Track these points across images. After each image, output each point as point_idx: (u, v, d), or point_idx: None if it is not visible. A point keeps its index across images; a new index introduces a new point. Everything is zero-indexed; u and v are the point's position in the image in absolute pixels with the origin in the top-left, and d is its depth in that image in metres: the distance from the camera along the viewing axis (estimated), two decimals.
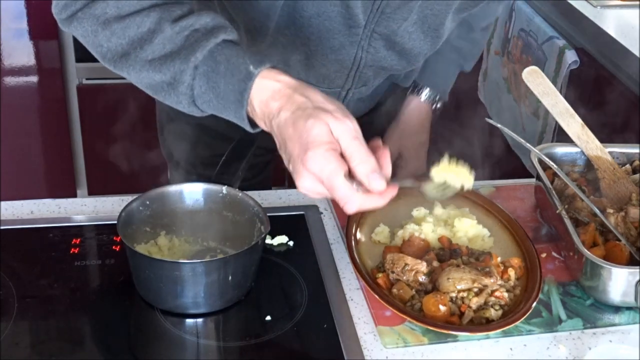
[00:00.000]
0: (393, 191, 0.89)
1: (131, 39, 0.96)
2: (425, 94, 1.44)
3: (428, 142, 1.49)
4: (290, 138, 0.88)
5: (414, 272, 1.01)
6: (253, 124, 0.94)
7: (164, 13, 0.95)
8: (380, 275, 1.04)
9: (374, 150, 0.89)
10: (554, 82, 1.87)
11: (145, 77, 0.97)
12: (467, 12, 1.23)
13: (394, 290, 1.01)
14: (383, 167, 0.88)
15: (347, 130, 0.87)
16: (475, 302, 0.99)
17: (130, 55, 0.96)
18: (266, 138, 1.39)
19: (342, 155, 0.86)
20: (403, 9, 1.11)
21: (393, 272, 1.02)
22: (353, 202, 0.86)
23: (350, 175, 0.87)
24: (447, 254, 1.07)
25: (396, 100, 1.47)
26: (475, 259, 1.06)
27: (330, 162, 0.85)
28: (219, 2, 1.16)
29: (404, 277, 1.02)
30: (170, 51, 0.94)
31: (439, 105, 1.46)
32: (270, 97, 0.90)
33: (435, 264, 1.04)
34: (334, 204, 1.21)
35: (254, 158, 1.47)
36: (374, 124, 1.45)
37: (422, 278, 1.02)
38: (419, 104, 1.45)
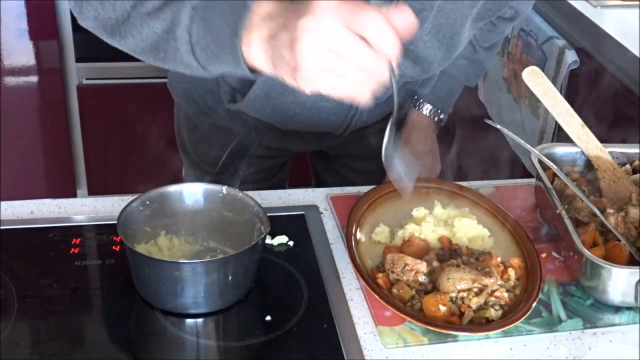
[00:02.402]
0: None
1: (134, 3, 0.96)
2: (427, 108, 1.45)
3: (435, 150, 1.48)
4: (289, 12, 0.80)
5: (414, 272, 1.01)
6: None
7: None
8: (380, 275, 1.04)
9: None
10: (554, 82, 1.87)
11: (147, 32, 0.95)
12: (486, 20, 1.23)
13: (394, 290, 1.01)
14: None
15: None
16: (475, 302, 0.99)
17: (132, 15, 0.96)
18: (272, 139, 1.40)
19: None
20: (417, 17, 1.11)
21: (393, 272, 1.02)
22: (377, 62, 0.77)
23: None
24: (447, 254, 1.07)
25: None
26: (475, 259, 1.06)
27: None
28: None
29: (404, 277, 1.02)
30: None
31: (442, 117, 1.47)
32: (264, 8, 0.85)
33: (435, 264, 1.04)
34: (335, 204, 1.21)
35: (268, 160, 1.47)
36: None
37: (422, 278, 1.02)
38: (421, 116, 1.45)
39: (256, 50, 0.86)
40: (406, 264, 1.02)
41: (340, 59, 0.79)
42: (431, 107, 1.45)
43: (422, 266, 1.02)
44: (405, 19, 0.80)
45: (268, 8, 0.85)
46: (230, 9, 0.88)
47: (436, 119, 1.46)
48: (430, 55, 1.18)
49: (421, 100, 1.45)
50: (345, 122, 1.33)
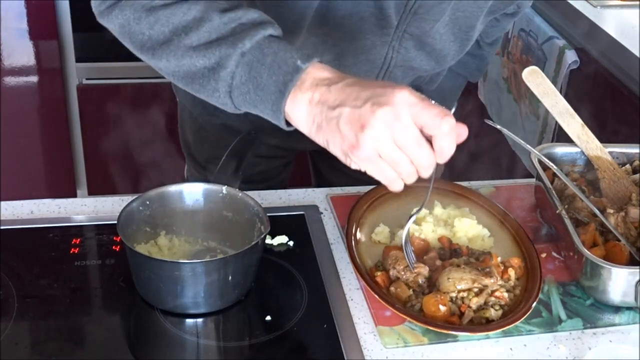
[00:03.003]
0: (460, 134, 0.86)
1: (175, 26, 0.95)
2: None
3: None
4: (361, 86, 0.84)
5: (415, 274, 1.02)
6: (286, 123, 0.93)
7: (212, 4, 0.95)
8: (378, 273, 1.04)
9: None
10: (554, 82, 1.87)
11: (186, 63, 0.96)
12: (496, 14, 1.23)
13: (392, 289, 1.01)
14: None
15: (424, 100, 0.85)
16: (475, 302, 0.99)
17: (173, 42, 0.96)
18: (279, 138, 1.40)
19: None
20: (436, 10, 1.11)
21: (395, 268, 1.02)
22: (431, 164, 0.83)
23: None
24: (447, 254, 1.07)
25: None
26: (475, 259, 1.06)
27: (421, 110, 0.82)
28: (250, 3, 1.16)
29: (404, 276, 1.02)
30: (217, 38, 0.94)
31: None
32: (318, 74, 0.88)
33: (438, 262, 1.04)
34: (335, 204, 1.21)
35: (273, 160, 1.47)
36: None
37: (421, 280, 1.02)
38: None
39: (300, 110, 0.89)
40: (408, 265, 1.02)
41: (401, 152, 0.84)
42: (435, 103, 1.45)
43: (425, 270, 1.02)
44: (462, 134, 0.86)
45: (324, 74, 0.89)
46: (279, 68, 0.90)
47: None
48: (446, 48, 1.18)
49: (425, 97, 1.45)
50: None
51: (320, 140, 0.89)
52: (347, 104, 0.84)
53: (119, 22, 1.00)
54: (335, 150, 0.87)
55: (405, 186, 1.24)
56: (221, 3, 0.96)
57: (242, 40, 0.92)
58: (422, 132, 0.85)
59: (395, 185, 0.87)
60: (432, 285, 1.02)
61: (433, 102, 0.85)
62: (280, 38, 0.95)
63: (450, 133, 0.84)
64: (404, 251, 1.02)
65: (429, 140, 0.85)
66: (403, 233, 1.02)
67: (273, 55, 0.91)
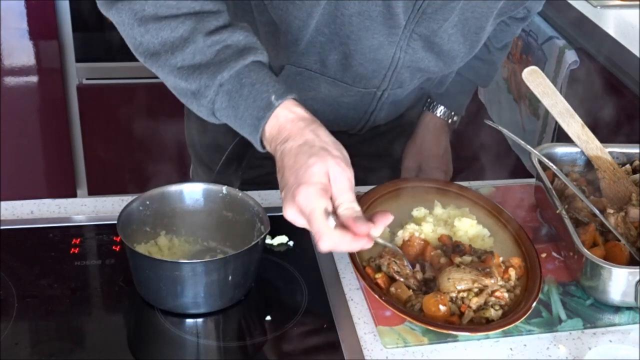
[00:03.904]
0: (369, 243, 0.91)
1: (163, 41, 0.98)
2: (440, 110, 1.45)
3: (448, 153, 1.48)
4: (289, 167, 0.91)
5: (412, 272, 1.02)
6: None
7: (199, 23, 0.98)
8: (379, 275, 1.04)
9: (380, 215, 0.92)
10: (554, 82, 1.87)
11: (171, 81, 1.00)
12: (505, 16, 1.23)
13: (392, 289, 1.01)
14: (375, 224, 0.90)
15: (344, 179, 0.90)
16: (475, 302, 0.99)
17: (161, 57, 0.99)
18: None
19: (331, 199, 0.90)
20: (444, 10, 1.11)
21: (396, 262, 1.02)
22: (327, 238, 0.88)
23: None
24: (449, 250, 1.07)
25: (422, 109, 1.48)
26: (477, 258, 1.06)
27: (317, 200, 0.88)
28: (258, 3, 1.16)
29: (402, 273, 1.02)
30: (199, 63, 0.97)
31: (455, 119, 1.46)
32: (282, 125, 0.94)
33: (443, 259, 1.04)
34: None
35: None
36: (402, 129, 1.45)
37: (420, 277, 1.02)
38: (434, 118, 1.45)
39: (267, 144, 0.97)
40: (402, 268, 1.02)
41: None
42: (444, 108, 1.45)
43: (418, 275, 1.03)
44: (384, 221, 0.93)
45: (291, 116, 0.95)
46: (253, 102, 0.95)
47: (449, 121, 1.46)
48: (454, 49, 1.18)
49: (435, 102, 1.45)
50: (364, 118, 1.32)
51: (278, 178, 0.96)
52: (281, 180, 0.93)
53: (116, 20, 1.02)
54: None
55: (406, 186, 1.24)
56: (210, 21, 0.98)
57: (222, 72, 0.96)
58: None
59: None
60: (431, 282, 1.02)
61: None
62: (263, 64, 0.99)
63: (326, 250, 0.90)
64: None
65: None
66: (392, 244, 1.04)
67: (250, 86, 0.96)
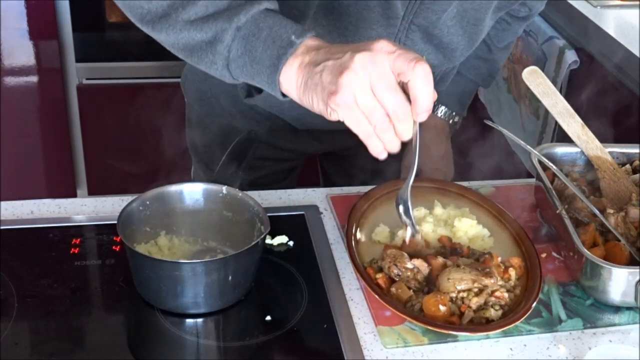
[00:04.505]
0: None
1: (173, 0, 0.96)
2: (441, 111, 1.44)
3: (449, 154, 1.48)
4: (339, 48, 0.86)
5: (414, 272, 1.02)
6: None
7: None
8: (379, 275, 1.04)
9: None
10: (554, 82, 1.87)
11: (184, 37, 0.97)
12: (504, 10, 1.23)
13: (392, 289, 1.01)
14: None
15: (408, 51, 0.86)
16: (475, 302, 0.99)
17: (171, 16, 0.96)
18: (285, 140, 1.39)
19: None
20: (442, 0, 1.11)
21: (396, 265, 1.02)
22: (406, 115, 0.84)
23: None
24: (448, 252, 1.07)
25: None
26: (476, 259, 1.06)
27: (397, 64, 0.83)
28: None
29: (404, 274, 1.02)
30: (214, 12, 0.95)
31: (456, 120, 1.46)
32: (310, 44, 0.90)
33: (440, 259, 1.04)
34: (335, 204, 1.21)
35: (280, 163, 1.47)
36: None
37: (421, 277, 1.02)
38: (435, 119, 1.45)
39: (291, 76, 0.90)
40: (407, 265, 1.02)
41: (376, 99, 0.84)
42: (446, 109, 1.44)
43: (424, 267, 1.02)
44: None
45: (316, 42, 0.90)
46: (273, 42, 0.91)
47: (451, 121, 1.45)
48: (454, 41, 1.18)
49: (436, 102, 1.44)
50: None
51: (306, 100, 0.90)
52: (331, 58, 0.86)
53: None
54: (319, 104, 0.88)
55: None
56: None
57: (238, 15, 0.93)
58: (402, 87, 0.85)
59: (371, 143, 0.87)
60: (431, 283, 1.02)
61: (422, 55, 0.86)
62: (276, 12, 0.96)
63: (424, 77, 0.84)
64: (405, 218, 1.01)
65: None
66: (407, 192, 0.99)
67: (268, 29, 0.92)
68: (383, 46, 0.84)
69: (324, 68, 0.86)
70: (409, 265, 1.02)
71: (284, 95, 0.93)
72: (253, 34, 0.93)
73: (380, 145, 0.87)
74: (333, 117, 0.87)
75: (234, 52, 0.94)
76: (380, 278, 1.03)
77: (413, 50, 0.86)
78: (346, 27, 1.11)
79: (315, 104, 0.88)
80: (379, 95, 0.84)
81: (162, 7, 0.97)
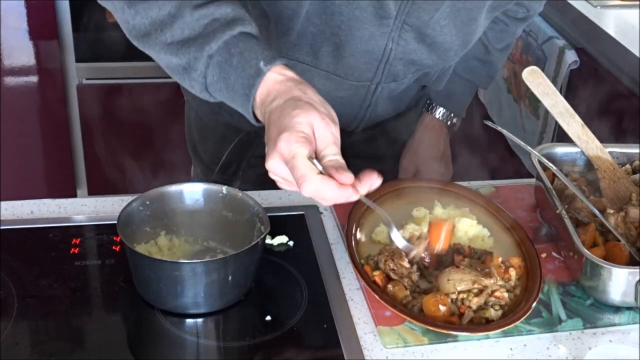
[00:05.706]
0: (354, 194, 0.89)
1: (153, 20, 0.98)
2: (439, 112, 1.44)
3: (448, 156, 1.48)
4: (274, 122, 0.90)
5: (408, 271, 1.02)
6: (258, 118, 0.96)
7: None
8: (376, 273, 1.04)
9: (367, 173, 0.90)
10: (554, 82, 1.87)
11: (164, 58, 1.00)
12: (500, 10, 1.23)
13: (389, 287, 1.01)
14: (361, 181, 0.89)
15: (328, 133, 0.89)
16: (475, 302, 0.99)
17: (152, 36, 0.98)
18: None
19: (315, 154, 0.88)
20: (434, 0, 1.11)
21: (393, 259, 1.02)
22: (310, 180, 0.86)
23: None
24: (450, 252, 1.07)
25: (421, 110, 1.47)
26: (477, 259, 1.06)
27: (299, 145, 0.86)
28: None
29: (398, 270, 1.02)
30: (188, 37, 0.96)
31: (454, 121, 1.46)
32: (271, 87, 0.93)
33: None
34: (335, 204, 1.21)
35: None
36: (401, 130, 1.44)
37: (415, 277, 1.02)
38: (433, 120, 1.45)
39: (258, 112, 0.95)
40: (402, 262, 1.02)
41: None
42: (444, 110, 1.44)
43: (413, 275, 1.02)
44: (373, 182, 0.92)
45: (282, 76, 0.93)
46: (243, 70, 0.94)
47: (449, 123, 1.45)
48: (447, 41, 1.17)
49: (434, 104, 1.44)
50: (360, 114, 1.31)
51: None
52: (266, 136, 0.91)
53: (108, 6, 1.02)
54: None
55: (406, 186, 1.24)
56: None
57: (209, 43, 0.95)
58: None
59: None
60: (430, 275, 1.02)
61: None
62: (251, 35, 0.97)
63: (309, 195, 0.87)
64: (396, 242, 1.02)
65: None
66: (396, 237, 1.02)
67: (239, 55, 0.94)
68: (276, 160, 0.88)
69: (266, 139, 0.91)
70: (406, 263, 1.02)
71: (258, 120, 0.96)
72: (225, 60, 0.95)
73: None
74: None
75: (210, 77, 0.97)
76: (377, 275, 1.03)
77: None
78: (339, 26, 1.11)
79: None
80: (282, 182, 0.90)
81: (145, 25, 0.98)
